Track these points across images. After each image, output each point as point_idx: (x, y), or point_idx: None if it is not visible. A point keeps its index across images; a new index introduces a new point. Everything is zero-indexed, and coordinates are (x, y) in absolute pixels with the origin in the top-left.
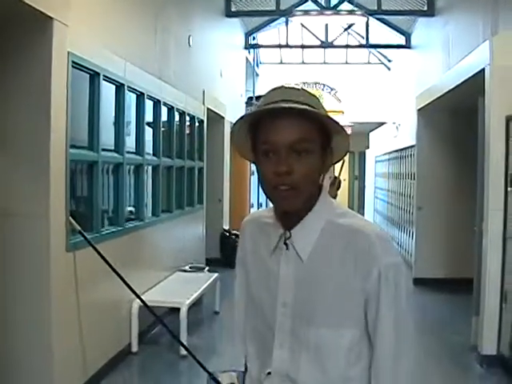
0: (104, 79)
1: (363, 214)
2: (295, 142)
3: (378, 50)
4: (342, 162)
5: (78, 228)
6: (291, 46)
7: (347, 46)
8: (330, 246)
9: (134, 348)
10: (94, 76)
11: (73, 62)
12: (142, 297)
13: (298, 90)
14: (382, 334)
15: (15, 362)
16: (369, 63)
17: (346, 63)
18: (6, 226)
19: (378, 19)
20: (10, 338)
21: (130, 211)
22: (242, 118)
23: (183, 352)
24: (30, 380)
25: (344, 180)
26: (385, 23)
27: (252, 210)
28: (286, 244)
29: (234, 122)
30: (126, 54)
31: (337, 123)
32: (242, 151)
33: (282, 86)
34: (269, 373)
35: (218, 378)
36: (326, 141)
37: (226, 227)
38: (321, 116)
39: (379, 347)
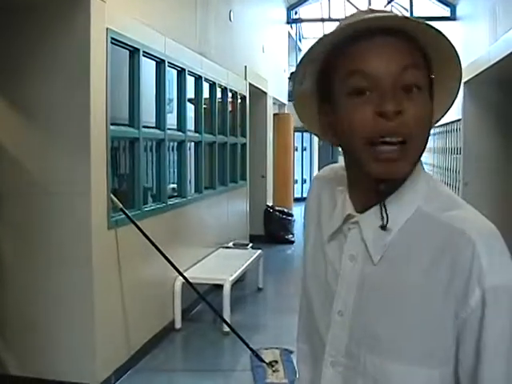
0: (144, 55)
1: None
2: (405, 69)
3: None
4: None
5: (120, 205)
6: (334, 20)
7: None
8: (416, 248)
9: (178, 325)
10: (134, 52)
11: (112, 38)
12: (185, 274)
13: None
14: None
15: (58, 340)
16: None
17: None
18: (47, 203)
19: None
20: (53, 315)
21: (173, 188)
22: (309, 50)
23: (226, 329)
24: (72, 357)
25: None
26: None
27: (296, 187)
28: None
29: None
30: (166, 29)
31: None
32: (304, 107)
33: (366, 9)
34: None
35: (261, 355)
36: (430, 81)
37: (270, 203)
38: (432, 30)
39: None
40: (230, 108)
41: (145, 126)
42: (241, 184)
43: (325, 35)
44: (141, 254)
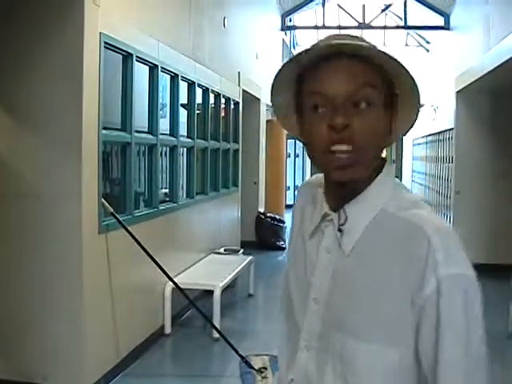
0: (137, 60)
1: None
2: (354, 90)
3: (417, 31)
4: None
5: (111, 210)
6: (328, 27)
7: (385, 27)
8: (380, 241)
9: (168, 330)
10: (127, 57)
11: (105, 42)
12: (176, 279)
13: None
14: (446, 378)
15: (46, 343)
16: (407, 45)
17: (384, 45)
18: (37, 206)
19: None
20: (42, 318)
21: (165, 193)
22: (280, 69)
23: (216, 335)
24: (61, 360)
25: (393, 162)
26: (423, 4)
27: (288, 194)
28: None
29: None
30: (160, 35)
31: (400, 64)
32: (283, 117)
33: (333, 34)
34: (292, 380)
35: (251, 362)
36: (390, 98)
37: (262, 210)
38: (382, 54)
39: None
40: (222, 114)
41: (137, 131)
42: (233, 190)
43: (289, 59)
44: (131, 258)
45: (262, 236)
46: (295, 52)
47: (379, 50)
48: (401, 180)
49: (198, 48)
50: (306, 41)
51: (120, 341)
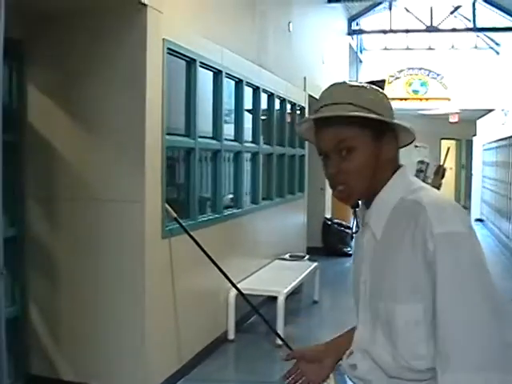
0: (200, 66)
1: (470, 205)
2: (335, 145)
3: (486, 33)
4: (446, 149)
5: (174, 215)
6: (395, 31)
7: (453, 30)
8: (398, 223)
9: (231, 336)
10: (191, 63)
11: (168, 48)
12: (240, 285)
13: (350, 87)
14: (443, 319)
15: (109, 347)
16: (476, 48)
17: (453, 48)
18: (101, 211)
19: (485, 1)
20: (105, 322)
21: (231, 198)
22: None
23: (279, 341)
24: (123, 364)
25: (450, 169)
26: (492, 5)
27: None
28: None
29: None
30: (223, 40)
31: (375, 117)
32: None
33: (334, 85)
34: (351, 352)
35: None
36: (379, 130)
37: (329, 216)
38: (352, 116)
39: (439, 330)
40: (288, 119)
41: (201, 136)
42: (299, 196)
43: (298, 123)
44: (195, 264)
45: (329, 242)
46: (362, 57)
47: (347, 116)
48: (470, 186)
49: (262, 53)
50: (372, 45)
51: (182, 345)
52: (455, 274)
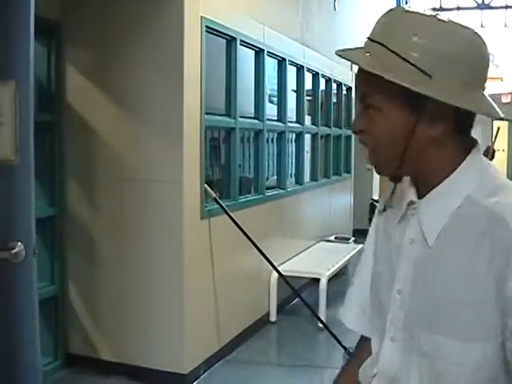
0: (241, 44)
1: None
2: (360, 98)
3: None
4: (496, 130)
5: (214, 195)
6: (446, 9)
7: (506, 7)
8: (463, 232)
9: (273, 318)
10: (231, 41)
11: (206, 26)
12: (283, 266)
13: (405, 13)
14: None
15: (148, 328)
16: None
17: (505, 26)
18: (140, 192)
19: None
20: (143, 303)
21: (275, 179)
22: None
23: (321, 325)
24: (162, 345)
25: (502, 150)
26: None
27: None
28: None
29: None
30: (265, 18)
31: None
32: None
33: (392, 9)
34: (375, 374)
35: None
36: (421, 96)
37: (376, 197)
38: (372, 70)
39: None
40: (334, 99)
41: (242, 116)
42: (345, 177)
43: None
44: (235, 245)
45: None
46: None
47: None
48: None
49: (306, 31)
50: None
51: (222, 327)
52: None
